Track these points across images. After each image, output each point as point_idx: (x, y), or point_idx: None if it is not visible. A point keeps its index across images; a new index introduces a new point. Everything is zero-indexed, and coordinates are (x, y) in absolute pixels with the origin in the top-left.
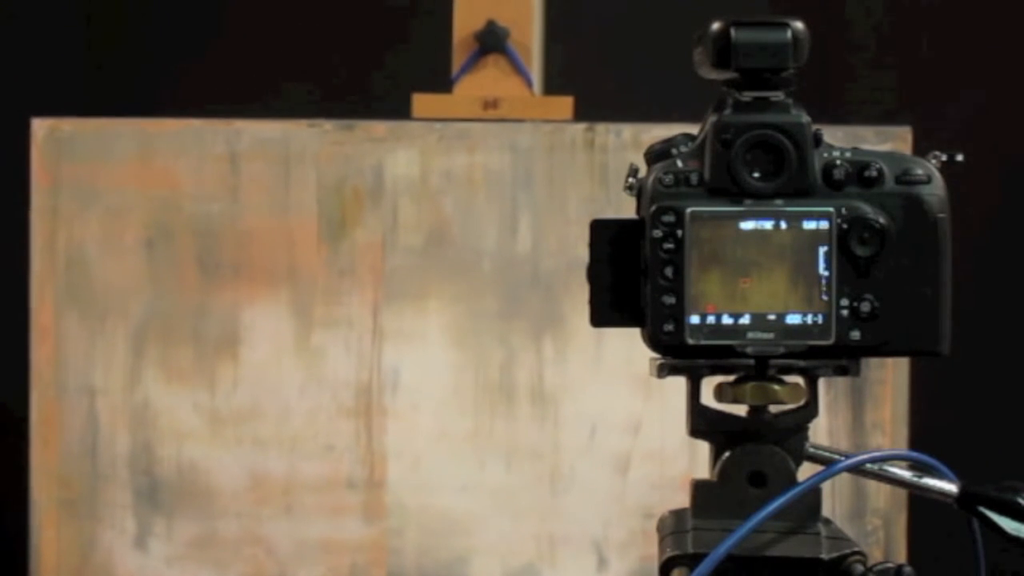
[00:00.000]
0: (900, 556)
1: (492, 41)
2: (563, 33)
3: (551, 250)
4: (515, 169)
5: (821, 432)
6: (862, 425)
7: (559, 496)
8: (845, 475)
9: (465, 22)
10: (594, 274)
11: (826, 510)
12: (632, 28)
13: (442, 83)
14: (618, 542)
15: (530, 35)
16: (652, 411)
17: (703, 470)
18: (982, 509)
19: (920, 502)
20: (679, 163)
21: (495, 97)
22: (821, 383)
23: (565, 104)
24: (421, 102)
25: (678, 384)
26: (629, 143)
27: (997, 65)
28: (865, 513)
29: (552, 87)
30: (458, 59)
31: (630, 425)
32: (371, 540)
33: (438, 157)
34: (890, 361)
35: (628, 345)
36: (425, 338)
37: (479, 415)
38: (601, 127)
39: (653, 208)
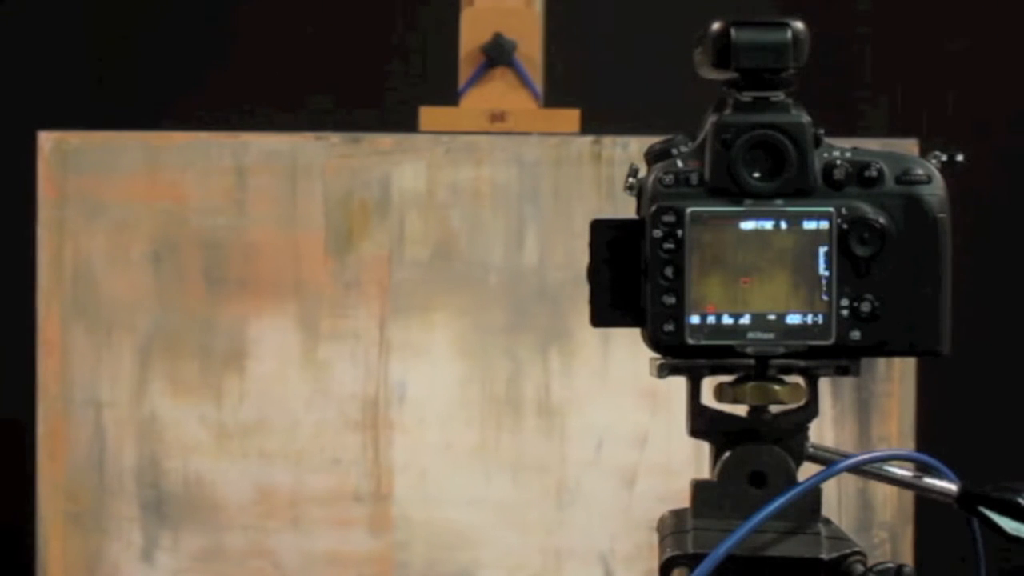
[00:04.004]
0: None
1: (499, 54)
2: (569, 46)
3: (558, 263)
4: (522, 182)
5: (827, 444)
6: (869, 439)
7: (565, 509)
8: (851, 488)
9: (472, 35)
10: (594, 274)
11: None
12: (638, 41)
13: (449, 96)
14: (624, 555)
15: (537, 48)
16: (658, 424)
17: None
18: (982, 509)
19: (926, 515)
20: (679, 163)
21: (502, 110)
22: (827, 393)
23: (572, 117)
24: (428, 115)
25: (684, 398)
26: (636, 156)
27: (998, 68)
28: (871, 526)
29: (559, 100)
30: (465, 72)
31: (636, 438)
32: (378, 553)
33: (445, 170)
34: (896, 374)
35: (634, 358)
36: (432, 351)
37: (485, 428)
38: (608, 140)
39: (653, 208)
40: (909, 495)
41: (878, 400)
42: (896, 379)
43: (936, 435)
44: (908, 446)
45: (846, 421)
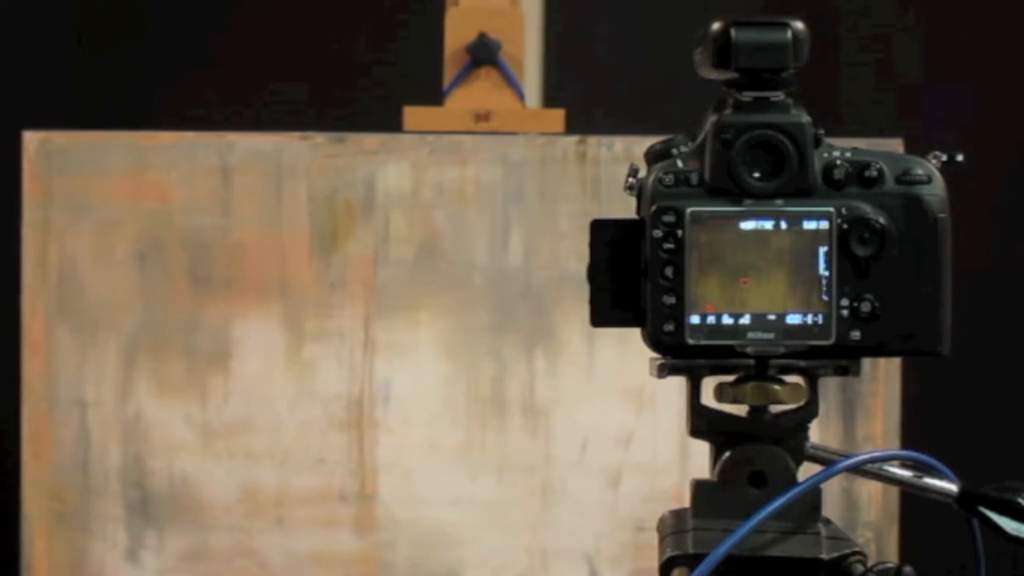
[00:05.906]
0: None
1: (484, 54)
2: (555, 46)
3: (543, 263)
4: (507, 182)
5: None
6: (854, 438)
7: (550, 509)
8: (836, 488)
9: (456, 35)
10: (594, 274)
11: None
12: (625, 41)
13: (433, 96)
14: (609, 555)
15: (522, 48)
16: (643, 424)
17: None
18: (982, 509)
19: (911, 515)
20: (679, 163)
21: (487, 110)
22: None
23: (557, 117)
24: (412, 115)
25: (669, 397)
26: (621, 156)
27: (993, 68)
28: (856, 526)
29: (544, 100)
30: (450, 72)
31: (621, 438)
32: (362, 553)
33: (429, 170)
34: (882, 374)
35: (620, 358)
36: (416, 351)
37: (470, 428)
38: (593, 140)
39: (653, 208)
40: (894, 495)
41: (863, 400)
42: (881, 379)
43: (921, 435)
44: (893, 446)
45: (831, 421)
